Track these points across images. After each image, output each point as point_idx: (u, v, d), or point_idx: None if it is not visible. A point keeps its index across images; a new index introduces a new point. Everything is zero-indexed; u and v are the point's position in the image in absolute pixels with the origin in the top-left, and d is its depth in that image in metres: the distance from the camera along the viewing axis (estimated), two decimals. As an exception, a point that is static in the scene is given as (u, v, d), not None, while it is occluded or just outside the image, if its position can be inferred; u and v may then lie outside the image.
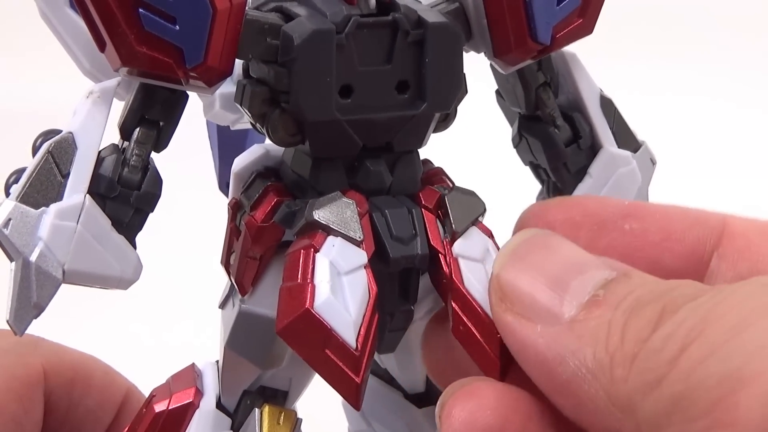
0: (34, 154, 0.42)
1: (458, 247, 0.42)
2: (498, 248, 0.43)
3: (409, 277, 0.44)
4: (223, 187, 0.60)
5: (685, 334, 0.34)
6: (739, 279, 0.41)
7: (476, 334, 0.41)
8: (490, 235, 0.44)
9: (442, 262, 0.42)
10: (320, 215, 0.41)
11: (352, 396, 0.40)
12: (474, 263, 0.42)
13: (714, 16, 1.57)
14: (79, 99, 0.43)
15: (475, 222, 0.43)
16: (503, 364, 0.41)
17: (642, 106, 0.84)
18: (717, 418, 0.33)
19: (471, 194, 0.44)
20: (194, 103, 0.49)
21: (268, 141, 0.44)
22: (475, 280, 0.42)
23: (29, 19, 0.51)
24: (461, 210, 0.43)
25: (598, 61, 0.51)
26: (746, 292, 0.35)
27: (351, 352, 0.39)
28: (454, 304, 0.41)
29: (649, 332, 0.35)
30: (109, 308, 0.86)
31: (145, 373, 0.56)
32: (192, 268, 0.90)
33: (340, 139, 0.43)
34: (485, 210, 0.44)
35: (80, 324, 0.83)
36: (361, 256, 0.41)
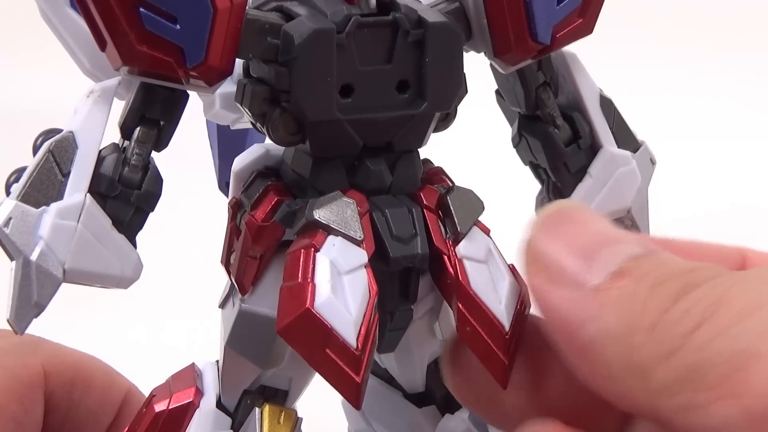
0: (34, 153, 0.42)
1: (463, 248, 0.42)
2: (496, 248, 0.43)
3: (409, 277, 0.44)
4: (223, 186, 0.60)
5: (701, 311, 0.36)
6: None
7: (483, 334, 0.41)
8: (488, 234, 0.44)
9: (447, 263, 0.42)
10: (320, 215, 0.41)
11: (353, 395, 0.40)
12: (478, 264, 0.42)
13: (714, 16, 1.57)
14: (79, 98, 0.43)
15: (476, 221, 0.43)
16: (510, 364, 0.41)
17: (642, 106, 0.84)
18: (726, 389, 0.35)
19: (470, 193, 0.44)
20: (194, 102, 0.49)
21: (268, 140, 0.44)
22: (480, 282, 0.42)
23: (29, 19, 0.51)
24: (464, 210, 0.43)
25: (597, 61, 0.52)
26: (760, 276, 0.37)
27: (351, 352, 0.39)
28: (460, 305, 0.42)
29: (669, 305, 0.36)
30: (109, 308, 0.86)
31: (145, 372, 0.56)
32: (192, 268, 0.90)
33: (341, 138, 0.43)
34: (484, 208, 0.44)
35: (80, 323, 0.82)
36: (361, 256, 0.41)
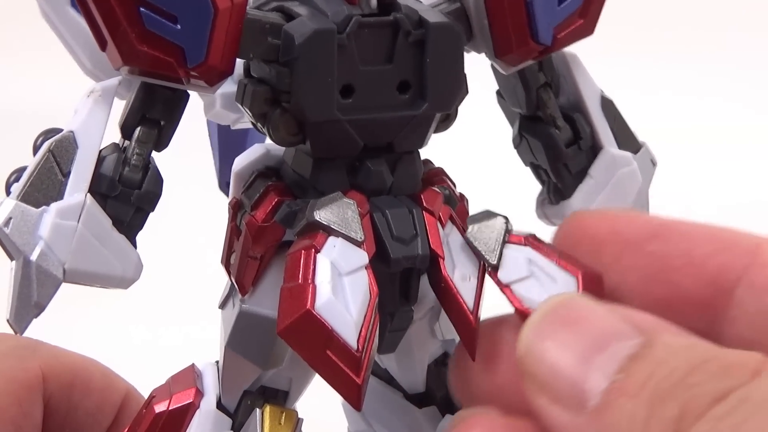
0: (35, 153, 0.42)
1: (503, 276, 0.42)
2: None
3: (409, 278, 0.44)
4: (224, 186, 0.60)
5: None
6: (762, 314, 0.41)
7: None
8: (526, 242, 0.43)
9: (442, 266, 0.42)
10: (321, 215, 0.41)
11: (353, 397, 0.40)
12: (525, 281, 0.42)
13: (714, 16, 1.57)
14: (80, 98, 0.43)
15: (505, 240, 0.42)
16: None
17: (642, 106, 0.84)
18: None
19: (487, 217, 0.43)
20: (195, 102, 0.49)
21: (268, 140, 0.44)
22: (536, 296, 0.41)
23: (29, 19, 0.50)
24: (485, 239, 0.42)
25: (597, 61, 0.51)
26: None
27: (352, 353, 0.39)
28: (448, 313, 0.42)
29: None
30: (108, 309, 0.86)
31: (144, 373, 0.56)
32: (192, 268, 0.90)
33: (341, 139, 0.43)
34: (507, 220, 0.43)
35: (79, 325, 0.82)
36: (362, 257, 0.41)
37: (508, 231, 0.43)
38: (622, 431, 0.35)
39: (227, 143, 0.59)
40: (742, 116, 1.34)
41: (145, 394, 0.48)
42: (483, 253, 0.42)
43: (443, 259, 0.42)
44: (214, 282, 0.49)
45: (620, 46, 1.28)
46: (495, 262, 0.42)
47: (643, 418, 0.34)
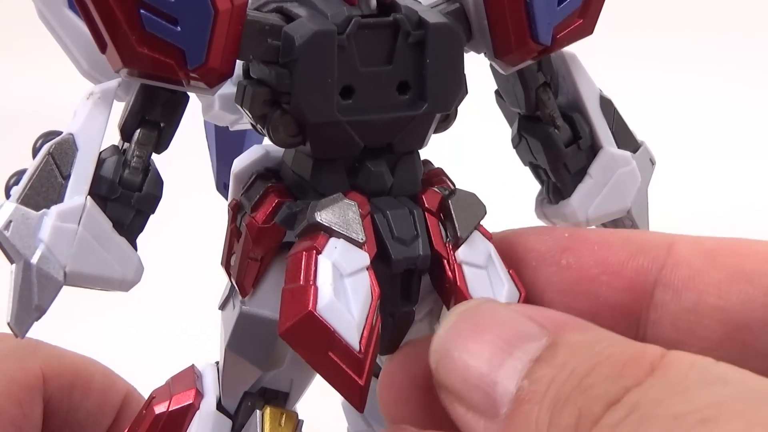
0: (34, 155, 0.42)
1: (462, 253, 0.42)
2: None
3: (410, 278, 0.43)
4: (221, 187, 0.60)
5: None
6: (683, 312, 0.41)
7: None
8: (490, 239, 0.44)
9: (446, 267, 0.42)
10: (322, 217, 0.41)
11: (356, 398, 0.40)
12: (477, 269, 0.42)
13: (713, 16, 1.57)
14: (79, 100, 0.42)
15: (477, 226, 0.43)
16: None
17: (641, 106, 0.84)
18: None
19: (473, 197, 0.44)
20: (193, 103, 0.49)
21: (267, 141, 0.44)
22: (479, 287, 0.42)
23: (29, 19, 0.50)
24: (465, 215, 0.43)
25: (596, 61, 0.51)
26: (657, 427, 0.33)
27: (354, 355, 0.39)
28: None
29: None
30: (108, 310, 0.86)
31: (143, 374, 0.56)
32: (190, 269, 0.90)
33: (341, 140, 0.43)
34: (485, 213, 0.44)
35: (79, 326, 0.82)
36: (363, 258, 0.41)
37: (481, 219, 0.43)
38: None
39: (224, 144, 0.59)
40: (741, 116, 1.34)
41: (145, 395, 0.48)
42: (457, 225, 0.42)
43: (446, 259, 0.42)
44: (213, 282, 0.49)
45: (618, 46, 1.28)
46: (464, 237, 0.42)
47: (545, 424, 0.35)
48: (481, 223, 0.44)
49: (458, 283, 0.42)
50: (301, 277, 0.40)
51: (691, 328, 0.39)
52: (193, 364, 0.48)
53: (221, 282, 0.47)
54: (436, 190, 0.44)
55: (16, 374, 0.55)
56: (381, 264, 0.42)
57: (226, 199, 0.58)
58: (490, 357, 0.37)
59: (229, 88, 0.45)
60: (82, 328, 0.84)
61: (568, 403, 0.35)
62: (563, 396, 0.35)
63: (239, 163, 0.46)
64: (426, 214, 0.43)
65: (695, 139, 1.26)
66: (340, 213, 0.41)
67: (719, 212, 1.10)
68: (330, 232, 0.41)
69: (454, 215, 0.43)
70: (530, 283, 0.41)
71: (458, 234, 0.42)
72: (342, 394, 0.40)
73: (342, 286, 0.40)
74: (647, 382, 0.34)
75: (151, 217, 0.44)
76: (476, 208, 0.44)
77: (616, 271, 0.42)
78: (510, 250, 0.43)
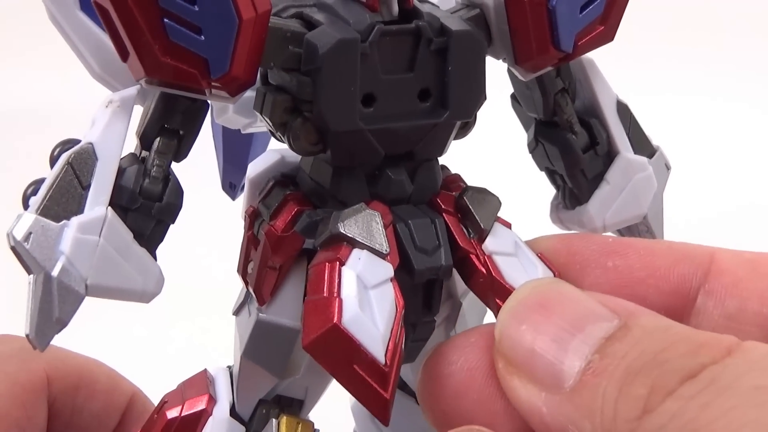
0: (52, 164, 0.41)
1: (490, 244, 0.42)
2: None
3: (432, 288, 0.43)
4: (226, 186, 0.59)
5: (675, 429, 0.33)
6: (726, 318, 0.42)
7: None
8: (510, 227, 0.44)
9: (476, 262, 0.42)
10: (346, 228, 0.41)
11: (381, 411, 0.39)
12: (508, 258, 0.42)
13: (729, 18, 1.57)
14: (97, 108, 0.42)
15: (496, 218, 0.43)
16: None
17: (655, 108, 0.84)
18: None
19: (485, 191, 0.44)
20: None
21: (280, 145, 0.44)
22: (514, 274, 0.42)
23: (29, 19, 0.50)
24: (483, 208, 0.43)
25: (609, 62, 0.51)
26: (737, 397, 0.33)
27: (380, 367, 0.39)
28: (499, 301, 0.41)
29: (638, 412, 0.34)
30: (113, 311, 0.85)
31: (149, 375, 0.55)
32: (197, 271, 0.89)
33: (363, 148, 0.42)
34: (501, 204, 0.44)
35: (84, 327, 0.81)
36: (387, 269, 0.40)
37: (498, 209, 0.44)
38: (595, 410, 0.35)
39: (231, 144, 0.58)
40: (755, 118, 1.34)
41: (151, 396, 0.47)
42: (478, 218, 0.42)
43: (475, 254, 0.42)
44: (220, 285, 0.49)
45: (633, 47, 1.27)
46: (488, 228, 0.42)
47: (614, 397, 0.35)
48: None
49: (493, 274, 0.41)
50: (325, 289, 0.40)
51: (732, 335, 0.39)
52: (205, 369, 0.48)
53: (228, 284, 0.46)
54: (447, 192, 0.44)
55: (20, 376, 0.54)
56: (403, 274, 0.41)
57: (232, 198, 0.58)
58: (559, 331, 0.37)
59: (243, 92, 0.44)
60: (88, 329, 0.83)
61: (641, 375, 0.35)
62: (636, 369, 0.35)
63: (254, 168, 0.45)
64: (445, 216, 0.42)
65: (710, 141, 1.27)
66: (363, 223, 0.41)
67: (732, 214, 1.10)
68: (353, 243, 0.41)
69: (473, 210, 0.42)
70: (575, 284, 0.41)
71: (482, 227, 0.42)
72: (367, 408, 0.40)
73: (367, 298, 0.40)
74: (725, 361, 0.34)
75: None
76: (491, 200, 0.44)
77: (663, 276, 0.43)
78: (554, 254, 0.43)
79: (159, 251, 0.46)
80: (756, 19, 1.57)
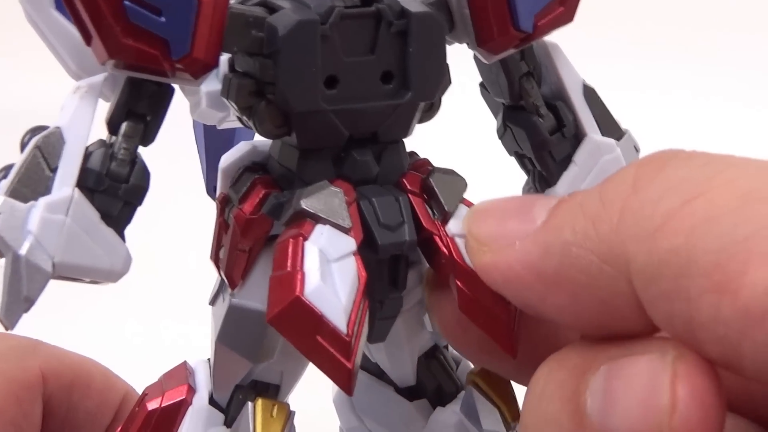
0: (22, 149, 0.42)
1: (453, 226, 0.43)
2: None
3: (397, 265, 0.44)
4: (211, 191, 0.60)
5: (687, 189, 0.32)
6: None
7: (485, 305, 0.41)
8: None
9: (439, 243, 0.42)
10: (308, 204, 0.41)
11: (345, 381, 0.40)
12: None
13: (707, 12, 1.57)
14: (66, 95, 0.43)
15: (462, 200, 0.44)
16: (516, 332, 0.41)
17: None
18: (718, 281, 0.30)
19: (451, 173, 0.45)
20: (183, 103, 0.49)
21: (256, 138, 0.45)
22: None
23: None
24: (448, 190, 0.43)
25: (587, 60, 0.52)
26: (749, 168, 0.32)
27: (342, 338, 0.39)
28: (458, 282, 0.42)
29: (629, 190, 0.34)
30: (101, 307, 0.86)
31: (138, 372, 0.56)
32: (184, 267, 0.89)
33: (327, 129, 0.43)
34: (467, 186, 0.44)
35: (75, 324, 0.82)
36: (349, 243, 0.41)
37: (464, 191, 0.44)
38: (575, 215, 0.35)
39: (214, 148, 0.59)
40: (736, 114, 1.34)
41: (140, 393, 0.48)
42: (442, 200, 0.43)
43: (438, 235, 0.42)
44: (206, 280, 0.49)
45: (609, 43, 1.28)
46: (452, 210, 0.43)
47: (596, 196, 0.35)
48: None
49: (454, 256, 0.42)
50: (288, 264, 0.40)
51: None
52: (185, 361, 0.49)
53: (213, 280, 0.47)
54: (415, 173, 0.44)
55: (15, 373, 0.55)
56: (368, 250, 0.42)
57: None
58: (523, 202, 0.39)
59: (216, 85, 0.45)
60: (77, 326, 0.84)
61: (625, 169, 0.35)
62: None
63: (227, 158, 0.46)
64: (410, 196, 0.43)
65: (689, 137, 1.26)
66: (325, 200, 0.42)
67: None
68: (316, 219, 0.41)
69: (437, 192, 0.43)
70: None
71: (445, 209, 0.43)
72: (331, 378, 0.40)
73: (329, 270, 0.40)
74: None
75: (143, 213, 0.44)
76: (458, 182, 0.44)
77: None
78: None
79: (150, 248, 0.47)
80: (741, 14, 1.57)
